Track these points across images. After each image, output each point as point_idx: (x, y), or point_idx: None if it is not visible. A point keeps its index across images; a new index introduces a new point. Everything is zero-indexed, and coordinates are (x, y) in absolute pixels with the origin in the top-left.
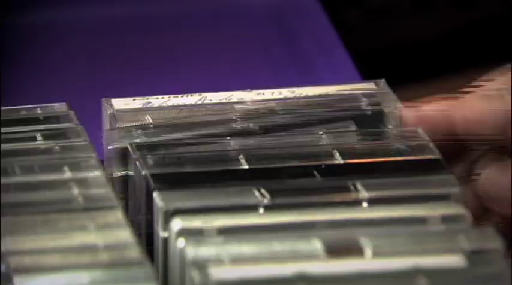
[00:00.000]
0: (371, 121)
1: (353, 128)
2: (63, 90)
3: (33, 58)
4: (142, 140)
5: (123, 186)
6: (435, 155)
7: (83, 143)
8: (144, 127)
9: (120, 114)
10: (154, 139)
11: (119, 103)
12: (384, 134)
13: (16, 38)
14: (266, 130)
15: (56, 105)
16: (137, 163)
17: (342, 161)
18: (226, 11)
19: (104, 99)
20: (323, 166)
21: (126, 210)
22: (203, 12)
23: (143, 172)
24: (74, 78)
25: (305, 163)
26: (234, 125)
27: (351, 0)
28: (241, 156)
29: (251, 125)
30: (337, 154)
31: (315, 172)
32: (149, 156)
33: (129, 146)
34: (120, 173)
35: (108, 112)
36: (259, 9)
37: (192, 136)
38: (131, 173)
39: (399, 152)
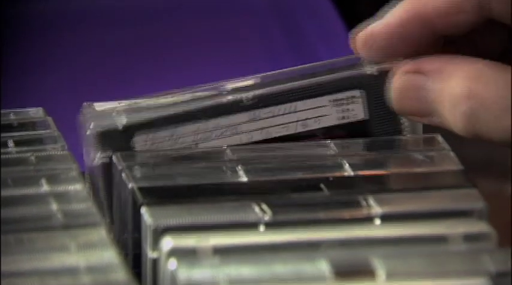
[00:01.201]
0: (379, 85)
1: (360, 98)
2: (41, 93)
3: (11, 59)
4: (124, 120)
5: (105, 176)
6: (457, 166)
7: (61, 152)
8: (126, 110)
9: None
10: (136, 118)
11: (102, 108)
12: (399, 142)
13: None
14: (259, 101)
15: (32, 109)
16: (123, 175)
17: (352, 173)
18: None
19: (85, 103)
20: (331, 179)
21: (111, 220)
22: (197, 4)
23: (129, 185)
24: (53, 80)
25: (310, 175)
26: (223, 99)
27: None
28: (240, 167)
29: (243, 96)
30: (347, 164)
31: (322, 185)
32: (136, 167)
33: (113, 157)
34: (101, 160)
35: (89, 116)
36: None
37: (176, 113)
38: (113, 158)
39: (416, 163)
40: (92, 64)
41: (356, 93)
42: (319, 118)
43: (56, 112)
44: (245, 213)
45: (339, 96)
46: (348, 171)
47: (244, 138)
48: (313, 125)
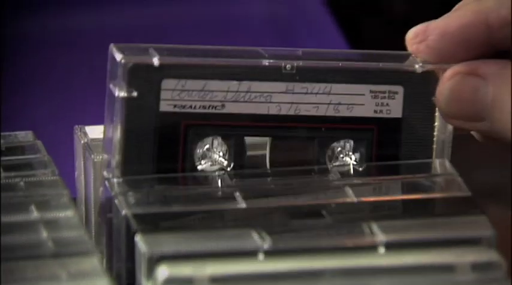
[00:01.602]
0: (420, 84)
1: (400, 95)
2: (30, 116)
3: None
4: (156, 60)
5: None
6: (464, 192)
7: (52, 178)
8: (161, 49)
9: (96, 144)
10: (170, 60)
11: (94, 131)
12: (404, 167)
13: None
14: (297, 73)
15: (21, 133)
16: (116, 201)
17: (355, 199)
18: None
19: (76, 126)
20: (333, 205)
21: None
22: (194, 22)
23: (123, 212)
24: (43, 102)
25: (312, 201)
26: (261, 62)
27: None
28: (238, 193)
29: (282, 64)
30: (350, 190)
31: (324, 212)
32: (130, 193)
33: (106, 182)
34: (125, 95)
35: (82, 141)
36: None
37: (211, 65)
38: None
39: (422, 189)
40: (83, 87)
41: (398, 88)
42: (353, 105)
43: (45, 136)
44: (244, 241)
45: (381, 88)
46: (351, 197)
47: (273, 109)
48: (345, 112)
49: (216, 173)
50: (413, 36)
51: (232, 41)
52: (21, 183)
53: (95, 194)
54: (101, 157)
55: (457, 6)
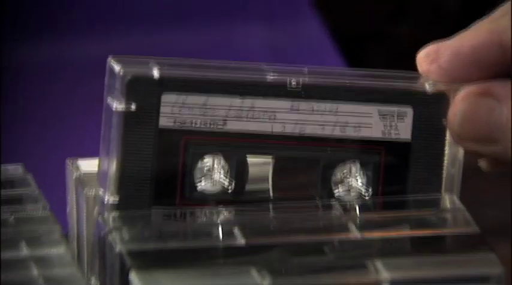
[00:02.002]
0: (429, 106)
1: (409, 116)
2: (20, 148)
3: None
4: (156, 72)
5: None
6: (473, 228)
7: (43, 213)
8: (161, 62)
9: (89, 177)
10: (171, 73)
11: (87, 165)
12: (411, 202)
13: None
14: (303, 90)
15: (11, 166)
16: (110, 237)
17: (358, 235)
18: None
19: (68, 159)
20: (336, 242)
21: None
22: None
23: (117, 248)
24: (34, 134)
25: (313, 237)
26: (266, 78)
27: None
28: (237, 230)
29: (287, 80)
30: (353, 226)
31: (326, 249)
32: (125, 229)
33: (99, 218)
34: (123, 109)
35: (74, 175)
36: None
37: (213, 79)
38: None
39: (428, 225)
40: (75, 119)
41: (407, 109)
42: (360, 126)
43: (36, 169)
44: (243, 279)
45: (389, 108)
46: (354, 233)
47: (277, 128)
48: (352, 132)
49: (215, 209)
50: (424, 56)
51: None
52: (11, 218)
53: (88, 230)
54: (93, 191)
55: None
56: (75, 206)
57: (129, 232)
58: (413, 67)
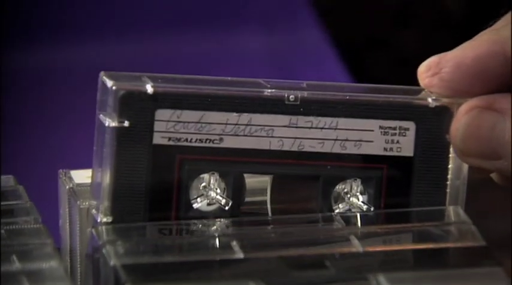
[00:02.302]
0: (432, 120)
1: (411, 132)
2: (12, 159)
3: None
4: (150, 88)
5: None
6: (479, 241)
7: (35, 226)
8: (154, 77)
9: (82, 189)
10: (165, 89)
11: (80, 176)
12: (414, 214)
13: None
14: (301, 105)
15: (1, 177)
16: (104, 251)
17: (360, 249)
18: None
19: (61, 170)
20: (337, 255)
21: None
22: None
23: (111, 262)
24: (26, 143)
25: (314, 251)
26: (263, 93)
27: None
28: (235, 242)
29: (285, 95)
30: (355, 240)
31: (327, 263)
32: (119, 242)
33: (92, 231)
34: (115, 124)
35: (67, 186)
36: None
37: (209, 95)
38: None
39: (433, 238)
40: (68, 129)
41: (409, 124)
42: (361, 142)
43: (28, 181)
44: None
45: (391, 123)
46: (357, 247)
47: (275, 144)
48: (352, 148)
49: (212, 222)
50: (425, 69)
51: (227, 75)
52: (2, 231)
53: (81, 244)
54: (87, 203)
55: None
56: (67, 219)
57: (124, 245)
58: (417, 75)
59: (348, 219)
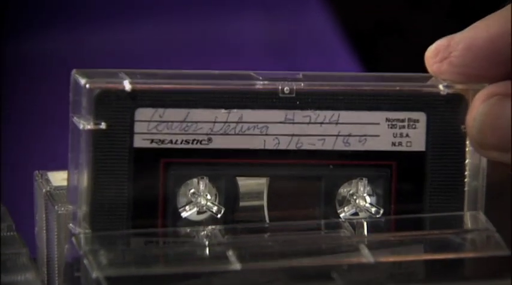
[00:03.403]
0: (447, 110)
1: (422, 123)
2: None
3: None
4: (128, 85)
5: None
6: (503, 250)
7: (8, 234)
8: (133, 73)
9: (60, 192)
10: (144, 86)
11: (58, 178)
12: (429, 221)
13: None
14: (297, 98)
15: None
16: (85, 261)
17: (371, 259)
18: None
19: (36, 171)
20: (345, 266)
21: None
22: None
23: (93, 274)
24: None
25: (320, 261)
26: (255, 86)
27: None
28: (231, 252)
29: (279, 87)
30: (366, 249)
31: (334, 274)
32: (102, 252)
33: (72, 239)
34: (91, 127)
35: (43, 190)
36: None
37: (194, 90)
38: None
39: (452, 247)
40: (45, 127)
41: (419, 115)
42: (366, 137)
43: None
44: None
45: (399, 115)
46: (367, 257)
47: (270, 143)
48: (357, 145)
49: (204, 229)
50: (433, 54)
51: (226, 66)
52: None
53: (59, 253)
54: (65, 208)
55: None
56: (44, 226)
57: (107, 255)
58: (425, 61)
59: (356, 226)
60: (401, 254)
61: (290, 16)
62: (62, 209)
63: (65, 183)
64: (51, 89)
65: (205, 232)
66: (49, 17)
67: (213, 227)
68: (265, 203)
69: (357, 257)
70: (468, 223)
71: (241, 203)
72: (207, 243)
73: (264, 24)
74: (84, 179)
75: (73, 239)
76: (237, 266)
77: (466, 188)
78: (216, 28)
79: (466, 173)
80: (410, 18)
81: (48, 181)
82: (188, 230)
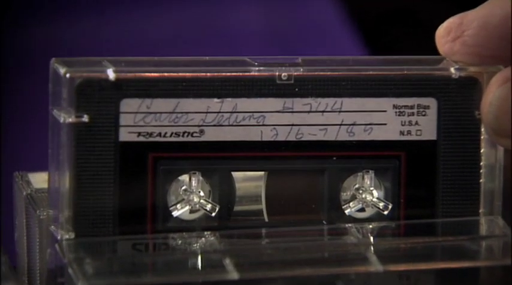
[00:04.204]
0: (460, 95)
1: (433, 110)
2: None
3: None
4: (111, 74)
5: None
6: None
7: None
8: (117, 62)
9: (42, 195)
10: (130, 75)
11: (40, 179)
12: (443, 225)
13: None
14: (296, 84)
15: None
16: (69, 270)
17: (380, 268)
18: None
19: (16, 173)
20: (352, 275)
21: None
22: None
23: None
24: None
25: (325, 270)
26: (250, 72)
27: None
28: (228, 260)
29: (276, 73)
30: (374, 257)
31: (340, 284)
32: (88, 260)
33: (56, 246)
34: (73, 120)
35: (23, 192)
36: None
37: (184, 79)
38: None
39: (468, 255)
40: (26, 124)
41: (430, 101)
42: (372, 126)
43: None
44: None
45: (407, 101)
46: (376, 265)
47: (267, 134)
48: (362, 134)
49: (199, 234)
50: (445, 32)
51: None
52: None
53: (41, 261)
54: (47, 213)
55: None
56: (25, 232)
57: (93, 263)
58: (436, 40)
59: (363, 230)
60: (413, 262)
61: (292, 3)
62: (44, 213)
63: (46, 185)
64: (31, 82)
65: (199, 238)
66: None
67: (208, 232)
68: (263, 200)
69: (365, 266)
70: (485, 228)
71: (238, 203)
72: (201, 250)
73: (264, 11)
74: (65, 180)
75: (56, 246)
76: (234, 275)
77: (482, 180)
78: (213, 16)
79: (481, 163)
80: (427, 4)
81: (28, 182)
82: (180, 236)
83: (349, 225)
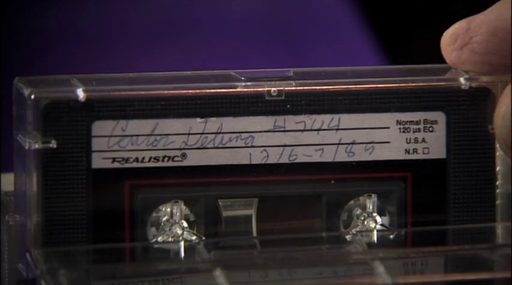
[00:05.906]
0: (470, 108)
1: (442, 124)
2: None
3: None
4: (81, 93)
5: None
6: None
7: None
8: (88, 80)
9: (11, 198)
10: (102, 94)
11: (10, 181)
12: (454, 234)
13: None
14: (287, 100)
15: None
16: (42, 282)
17: (388, 281)
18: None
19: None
20: None
21: None
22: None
23: None
24: None
25: (327, 282)
26: (236, 88)
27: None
28: (219, 271)
29: (265, 89)
30: (381, 267)
31: None
32: (62, 271)
33: (27, 256)
34: (39, 146)
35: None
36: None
37: (162, 97)
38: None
39: (484, 266)
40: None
41: (438, 116)
42: (374, 144)
43: None
44: None
45: (412, 116)
46: (382, 276)
47: (257, 156)
48: (363, 154)
49: (186, 243)
50: (451, 39)
51: (224, 59)
52: None
53: (11, 273)
54: (18, 218)
55: None
56: None
57: (69, 275)
58: (441, 49)
59: (368, 240)
60: (424, 275)
61: None
62: (13, 219)
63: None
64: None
65: (189, 247)
66: None
67: (196, 240)
68: (254, 230)
69: (371, 277)
70: (500, 237)
71: (225, 233)
72: (189, 260)
73: (264, 5)
74: (33, 214)
75: (28, 255)
76: None
77: (498, 201)
78: (211, 13)
79: (497, 182)
80: (443, 3)
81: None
82: (166, 244)
83: (354, 231)
